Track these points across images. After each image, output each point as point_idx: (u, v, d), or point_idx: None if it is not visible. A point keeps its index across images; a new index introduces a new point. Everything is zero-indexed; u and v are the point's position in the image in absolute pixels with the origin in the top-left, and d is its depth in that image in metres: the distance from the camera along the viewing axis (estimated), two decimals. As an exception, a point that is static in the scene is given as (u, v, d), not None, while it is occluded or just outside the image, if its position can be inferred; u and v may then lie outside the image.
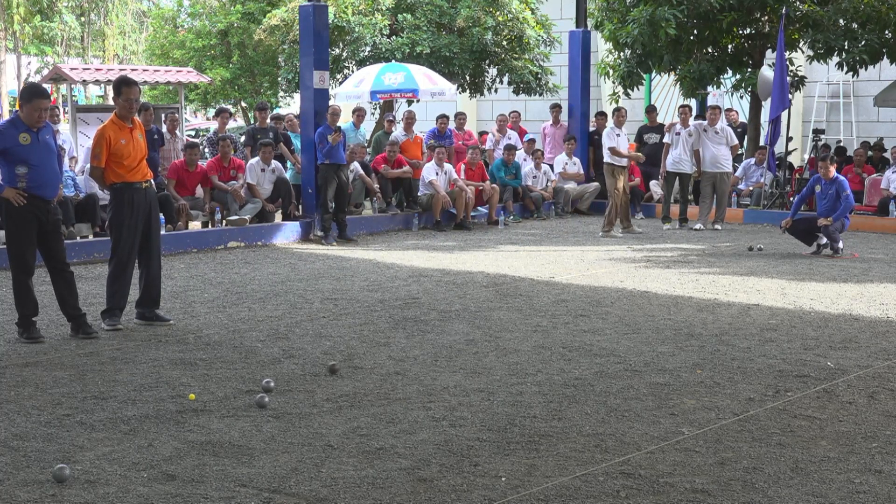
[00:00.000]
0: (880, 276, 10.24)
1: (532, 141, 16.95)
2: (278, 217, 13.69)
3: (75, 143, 14.38)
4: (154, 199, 7.83)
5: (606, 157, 13.86)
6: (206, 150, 14.15)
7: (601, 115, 17.75)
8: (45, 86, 11.22)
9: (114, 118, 7.56)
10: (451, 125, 16.73)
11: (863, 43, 15.36)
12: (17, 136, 7.06)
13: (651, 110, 17.54)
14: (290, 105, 24.69)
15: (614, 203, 13.84)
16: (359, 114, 15.41)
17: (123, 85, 7.52)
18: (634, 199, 16.22)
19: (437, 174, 14.45)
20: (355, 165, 14.21)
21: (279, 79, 22.64)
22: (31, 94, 7.19)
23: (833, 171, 11.79)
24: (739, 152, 16.30)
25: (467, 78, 19.35)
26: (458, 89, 18.87)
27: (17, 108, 7.55)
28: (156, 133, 13.34)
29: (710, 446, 4.87)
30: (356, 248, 12.44)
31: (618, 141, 13.96)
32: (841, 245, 11.73)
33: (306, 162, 13.31)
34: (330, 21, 15.68)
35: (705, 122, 14.50)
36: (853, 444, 4.91)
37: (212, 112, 30.84)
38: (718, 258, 11.58)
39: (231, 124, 20.50)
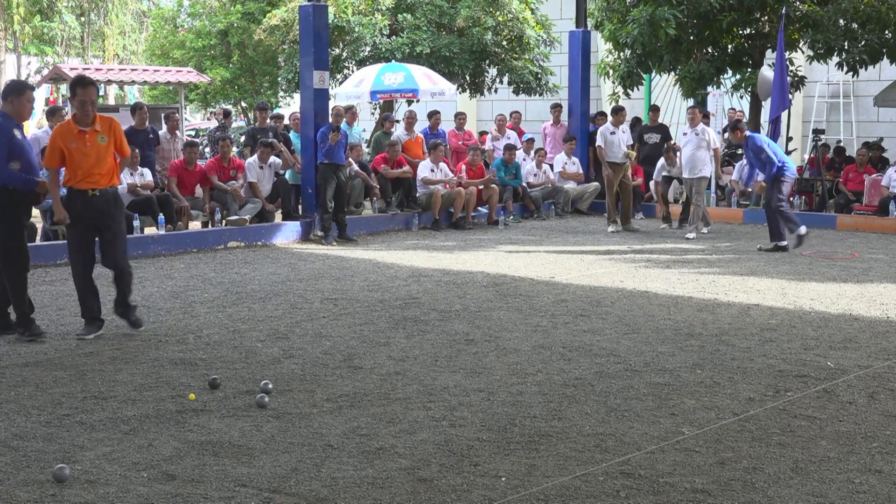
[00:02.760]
0: (880, 276, 10.24)
1: (531, 140, 16.96)
2: (278, 217, 13.70)
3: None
4: (108, 206, 7.23)
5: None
6: (207, 148, 14.15)
7: (601, 115, 17.77)
8: (45, 86, 11.19)
9: (69, 119, 7.22)
10: (452, 125, 16.73)
11: (863, 43, 15.35)
12: (12, 132, 7.07)
13: (654, 109, 17.54)
14: (291, 105, 24.69)
15: (609, 197, 14.27)
16: (351, 112, 15.36)
17: (79, 86, 7.04)
18: (635, 198, 16.22)
19: (431, 171, 14.47)
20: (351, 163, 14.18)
21: (279, 79, 22.63)
22: (23, 87, 7.21)
23: (740, 134, 12.03)
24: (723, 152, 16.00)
25: (467, 78, 19.35)
26: (458, 89, 18.86)
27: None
28: (151, 132, 13.35)
29: (710, 446, 4.87)
30: (356, 248, 12.44)
31: (611, 139, 14.11)
32: (803, 230, 11.89)
33: (306, 162, 13.31)
34: (330, 21, 15.67)
35: (687, 127, 14.02)
36: (853, 444, 4.91)
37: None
38: (718, 258, 11.58)
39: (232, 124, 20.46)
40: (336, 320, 7.86)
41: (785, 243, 11.94)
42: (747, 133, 12.16)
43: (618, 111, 14.61)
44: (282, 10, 19.61)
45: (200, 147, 13.98)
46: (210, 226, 13.13)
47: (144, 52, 30.18)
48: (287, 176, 13.87)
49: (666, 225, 14.66)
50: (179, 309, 8.30)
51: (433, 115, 16.12)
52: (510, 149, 15.91)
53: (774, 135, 15.19)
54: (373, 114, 20.43)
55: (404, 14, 18.40)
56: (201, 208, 12.99)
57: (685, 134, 13.83)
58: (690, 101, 19.08)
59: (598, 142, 14.39)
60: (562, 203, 16.44)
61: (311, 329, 7.53)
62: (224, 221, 13.12)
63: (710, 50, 16.81)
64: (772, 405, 5.56)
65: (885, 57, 15.72)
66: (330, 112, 13.25)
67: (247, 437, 4.97)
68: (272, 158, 13.43)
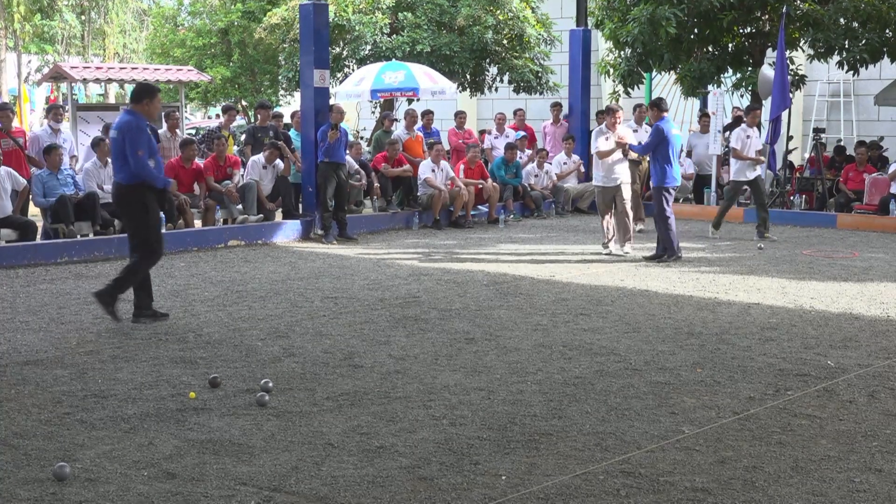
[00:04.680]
0: (880, 274, 10.24)
1: (524, 138, 16.96)
2: (279, 216, 13.69)
3: (76, 141, 14.36)
4: None
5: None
6: (204, 146, 14.11)
7: (602, 113, 17.77)
8: (45, 84, 11.03)
9: None
10: (452, 123, 16.73)
11: (863, 42, 15.36)
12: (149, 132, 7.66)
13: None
14: (291, 104, 24.70)
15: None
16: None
17: None
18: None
19: (433, 171, 14.46)
20: (349, 161, 14.17)
21: (279, 77, 22.65)
22: (155, 90, 7.87)
23: (656, 113, 11.17)
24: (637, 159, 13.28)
25: (468, 77, 19.35)
26: (458, 88, 18.86)
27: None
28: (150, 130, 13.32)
29: (710, 445, 4.87)
30: (356, 247, 12.44)
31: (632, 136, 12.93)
32: (678, 251, 11.12)
33: (306, 161, 13.30)
34: (330, 19, 15.66)
35: (603, 126, 11.87)
36: (853, 443, 4.91)
37: (213, 111, 30.85)
38: (718, 257, 11.57)
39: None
40: (336, 319, 7.86)
41: (677, 256, 11.13)
42: (664, 116, 11.16)
43: (638, 108, 14.32)
44: (282, 9, 19.61)
45: (199, 146, 13.93)
46: (210, 223, 13.10)
47: (145, 50, 30.19)
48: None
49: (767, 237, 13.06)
50: (180, 307, 8.30)
51: (426, 115, 16.16)
52: (511, 148, 15.90)
53: (775, 134, 15.21)
54: (373, 112, 20.43)
55: (405, 13, 18.40)
56: (197, 205, 12.97)
57: (607, 139, 11.61)
58: (694, 100, 19.12)
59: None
60: (562, 202, 16.44)
61: (311, 328, 7.53)
62: (231, 221, 13.11)
63: (710, 49, 16.81)
64: (772, 404, 5.56)
65: (885, 56, 15.72)
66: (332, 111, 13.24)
67: (247, 435, 4.97)
68: (277, 161, 13.41)
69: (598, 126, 12.02)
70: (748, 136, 12.96)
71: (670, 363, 6.46)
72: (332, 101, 14.05)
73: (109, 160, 12.19)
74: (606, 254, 11.71)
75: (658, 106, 11.35)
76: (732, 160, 13.18)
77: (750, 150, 12.97)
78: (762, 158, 13.19)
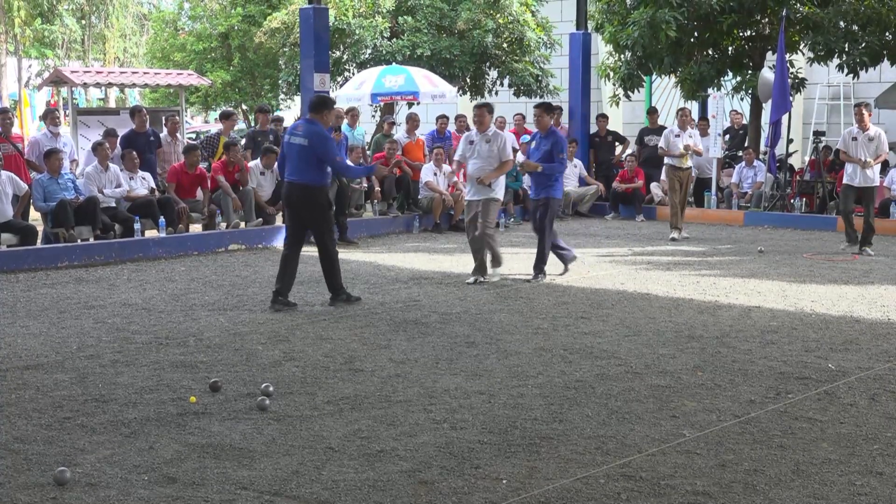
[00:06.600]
0: (881, 277, 10.23)
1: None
2: (279, 220, 13.68)
3: (76, 145, 14.37)
4: None
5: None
6: (205, 152, 14.14)
7: (602, 117, 17.78)
8: (45, 89, 11.05)
9: None
10: (452, 127, 16.75)
11: (863, 45, 15.37)
12: None
13: (652, 112, 17.57)
14: (291, 108, 24.70)
15: (672, 203, 13.63)
16: (352, 114, 15.36)
17: None
18: (635, 201, 16.21)
19: (434, 175, 14.46)
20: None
21: (280, 81, 22.65)
22: (331, 102, 9.02)
23: (549, 122, 10.04)
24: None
25: (468, 80, 19.37)
26: (458, 91, 18.86)
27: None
28: (151, 135, 13.35)
29: (711, 448, 4.86)
30: (357, 251, 12.44)
31: (675, 142, 13.43)
32: (571, 262, 10.43)
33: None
34: (330, 23, 15.68)
35: (474, 131, 10.09)
36: (854, 447, 4.91)
37: (213, 115, 30.86)
38: (719, 260, 11.57)
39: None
40: (337, 323, 7.86)
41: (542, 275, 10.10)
42: (554, 129, 10.25)
43: (681, 112, 14.07)
44: (282, 13, 19.63)
45: (203, 151, 13.96)
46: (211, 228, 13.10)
47: (145, 54, 30.20)
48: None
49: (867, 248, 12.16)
50: (180, 311, 8.30)
51: (440, 119, 16.13)
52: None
53: (775, 137, 15.22)
54: (373, 116, 20.44)
55: (405, 16, 18.42)
56: (200, 211, 12.98)
57: (472, 142, 9.97)
58: (692, 103, 19.11)
59: (661, 143, 13.93)
60: (562, 205, 16.42)
61: (311, 332, 7.53)
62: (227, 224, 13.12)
63: (710, 52, 16.83)
64: (773, 407, 5.56)
65: (885, 59, 15.74)
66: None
67: (248, 439, 4.97)
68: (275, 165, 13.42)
69: (475, 133, 10.02)
70: (854, 139, 12.00)
71: (671, 366, 6.46)
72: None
73: (110, 164, 12.23)
74: (472, 281, 9.87)
75: (551, 110, 10.30)
76: (847, 165, 12.33)
77: (857, 153, 11.97)
78: (870, 161, 11.90)
